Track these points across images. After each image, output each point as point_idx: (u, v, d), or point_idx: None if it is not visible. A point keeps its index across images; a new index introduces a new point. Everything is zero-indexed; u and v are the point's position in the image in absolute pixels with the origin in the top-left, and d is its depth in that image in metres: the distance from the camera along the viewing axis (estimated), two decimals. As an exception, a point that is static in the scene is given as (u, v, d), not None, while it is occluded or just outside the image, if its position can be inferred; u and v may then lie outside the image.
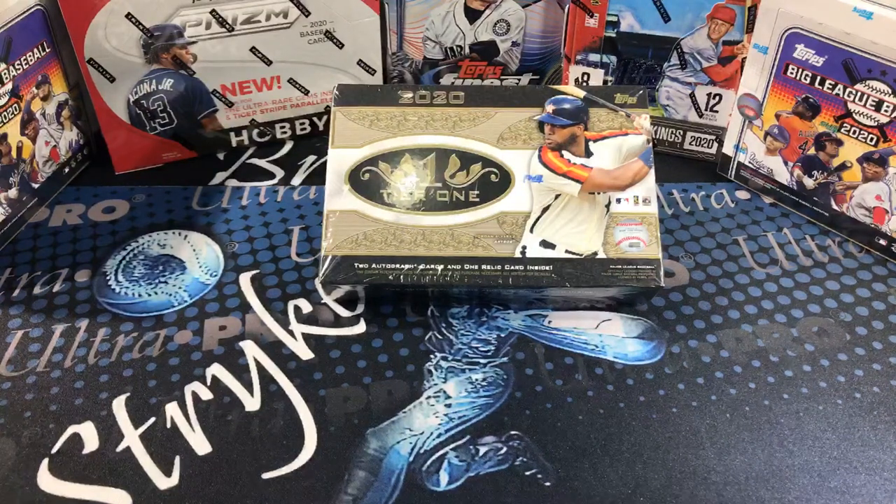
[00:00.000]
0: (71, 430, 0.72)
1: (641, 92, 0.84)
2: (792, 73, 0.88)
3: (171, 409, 0.74)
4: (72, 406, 0.74)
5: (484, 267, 0.78)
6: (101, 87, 0.96)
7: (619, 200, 0.80)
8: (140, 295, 0.85)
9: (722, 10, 0.93)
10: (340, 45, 1.03)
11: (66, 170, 1.00)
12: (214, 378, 0.76)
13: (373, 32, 1.04)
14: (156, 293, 0.85)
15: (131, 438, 0.71)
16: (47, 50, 0.93)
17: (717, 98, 1.00)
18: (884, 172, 0.85)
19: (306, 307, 0.84)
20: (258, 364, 0.78)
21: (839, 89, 0.85)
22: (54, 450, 0.70)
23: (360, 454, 0.70)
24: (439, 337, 0.81)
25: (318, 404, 0.74)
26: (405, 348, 0.80)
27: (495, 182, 0.81)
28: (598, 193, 0.81)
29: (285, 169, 1.04)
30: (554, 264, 0.78)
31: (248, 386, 0.76)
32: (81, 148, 1.02)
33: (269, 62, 1.01)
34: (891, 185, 0.85)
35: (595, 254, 0.78)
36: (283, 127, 1.08)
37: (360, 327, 0.82)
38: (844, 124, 0.86)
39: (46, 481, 0.68)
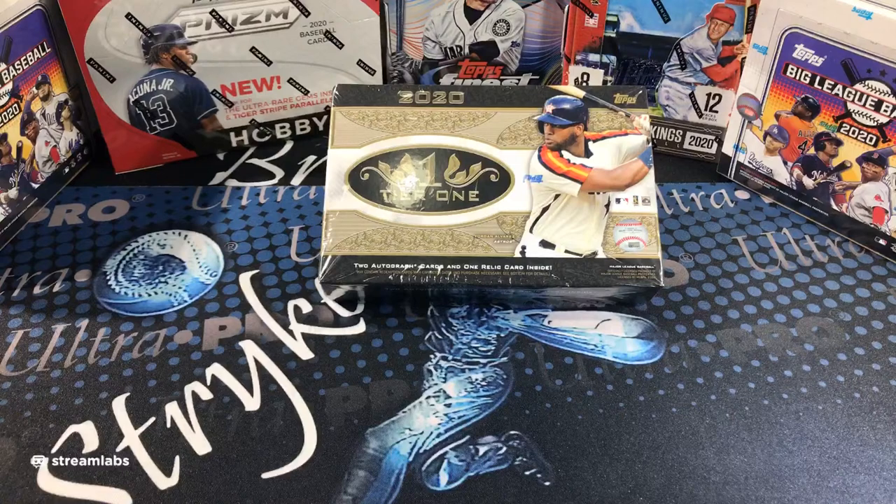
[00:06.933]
0: (71, 429, 0.72)
1: (641, 92, 0.84)
2: (791, 73, 0.88)
3: (171, 409, 0.74)
4: (72, 406, 0.74)
5: (484, 267, 0.78)
6: (101, 87, 0.96)
7: (618, 200, 0.80)
8: (140, 295, 0.85)
9: (721, 10, 0.93)
10: (340, 46, 1.03)
11: (66, 170, 1.00)
12: (214, 378, 0.76)
13: (372, 32, 1.04)
14: (156, 293, 0.85)
15: (131, 438, 0.71)
16: (47, 50, 0.93)
17: (717, 98, 1.00)
18: (883, 172, 0.85)
19: (306, 307, 0.84)
20: (258, 364, 0.78)
21: (839, 89, 0.85)
22: (54, 450, 0.70)
23: (360, 454, 0.70)
24: (439, 337, 0.81)
25: (318, 404, 0.74)
26: (405, 348, 0.80)
27: (495, 182, 0.81)
28: (598, 193, 0.81)
29: (285, 169, 1.04)
30: (554, 264, 0.78)
31: (248, 386, 0.76)
32: (81, 148, 1.02)
33: (269, 62, 1.01)
34: (890, 185, 0.85)
35: (595, 254, 0.78)
36: (283, 127, 1.08)
37: (360, 327, 0.82)
38: (844, 124, 0.86)
39: (46, 481, 0.68)
